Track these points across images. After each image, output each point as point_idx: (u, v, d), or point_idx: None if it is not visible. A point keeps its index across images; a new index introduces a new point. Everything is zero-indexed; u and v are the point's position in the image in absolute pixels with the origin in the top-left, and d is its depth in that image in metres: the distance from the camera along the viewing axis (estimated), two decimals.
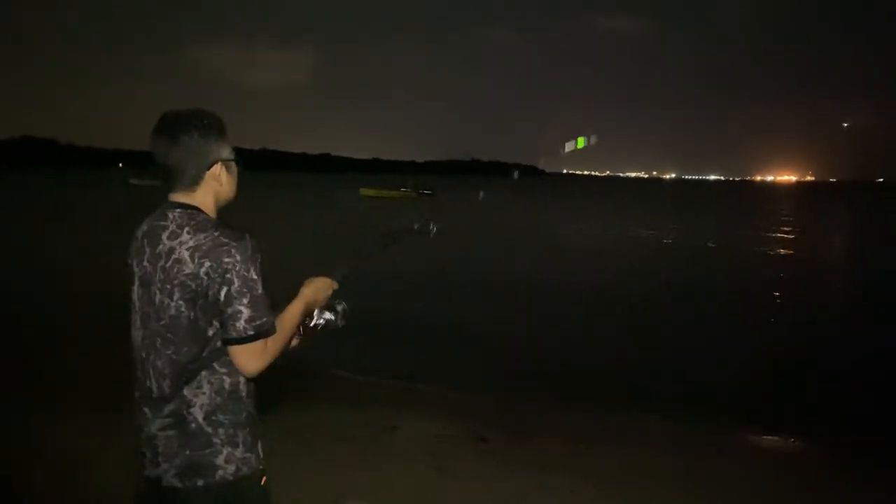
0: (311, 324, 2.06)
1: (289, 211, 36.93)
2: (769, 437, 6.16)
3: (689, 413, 6.57)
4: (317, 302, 2.05)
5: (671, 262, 19.77)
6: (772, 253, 22.63)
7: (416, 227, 2.46)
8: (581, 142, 3.08)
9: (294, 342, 2.02)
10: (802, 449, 6.03)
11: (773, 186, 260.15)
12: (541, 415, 6.23)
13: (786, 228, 33.73)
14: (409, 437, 5.22)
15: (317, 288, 2.05)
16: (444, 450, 5.02)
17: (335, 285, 2.12)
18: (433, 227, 2.46)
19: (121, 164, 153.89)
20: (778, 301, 13.76)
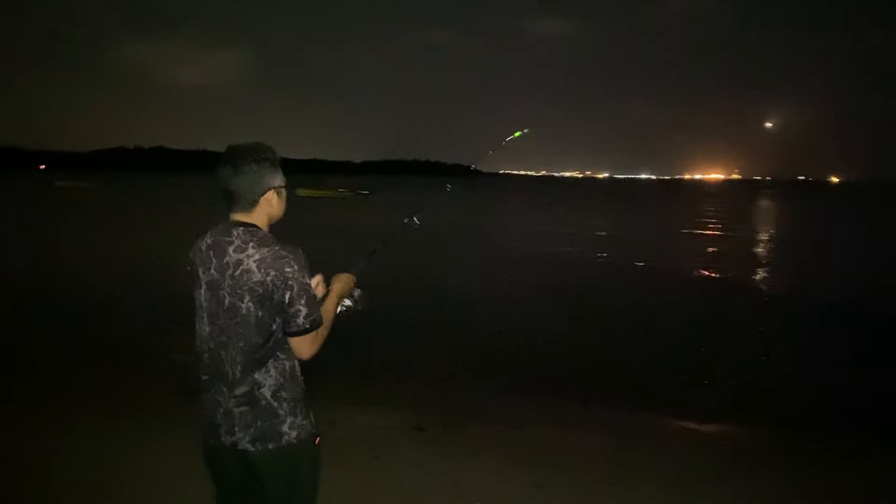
0: (338, 311, 2.47)
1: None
2: (696, 423, 6.36)
3: (624, 400, 6.83)
4: (343, 294, 2.49)
5: (602, 260, 20.26)
6: (695, 248, 23.51)
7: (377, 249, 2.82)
8: (517, 133, 3.53)
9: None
10: (725, 433, 6.24)
11: (701, 184, 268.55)
12: (478, 403, 6.39)
13: (713, 223, 35.04)
14: (348, 430, 5.26)
15: (343, 282, 2.50)
16: (382, 440, 5.11)
17: (355, 279, 2.57)
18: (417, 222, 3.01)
19: (42, 167, 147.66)
20: (703, 293, 14.30)
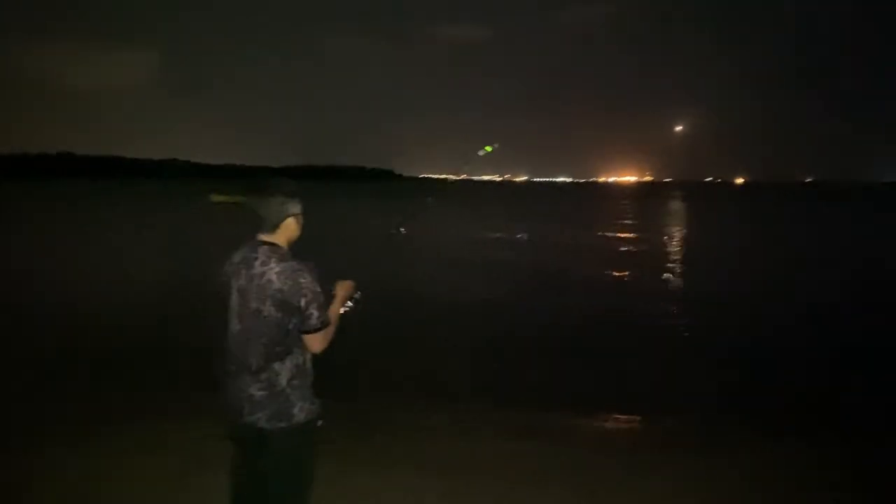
0: (341, 311, 3.01)
1: (133, 225, 34.85)
2: (609, 422, 6.54)
3: (538, 404, 6.91)
4: (346, 298, 3.05)
5: (523, 264, 20.58)
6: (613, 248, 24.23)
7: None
8: (489, 148, 3.97)
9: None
10: (643, 431, 6.45)
11: (615, 186, 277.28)
12: (388, 414, 6.34)
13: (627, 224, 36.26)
14: None
15: (345, 288, 3.06)
16: None
17: (355, 284, 3.11)
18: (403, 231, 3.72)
19: None
20: (618, 292, 14.74)
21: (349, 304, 3.09)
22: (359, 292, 3.15)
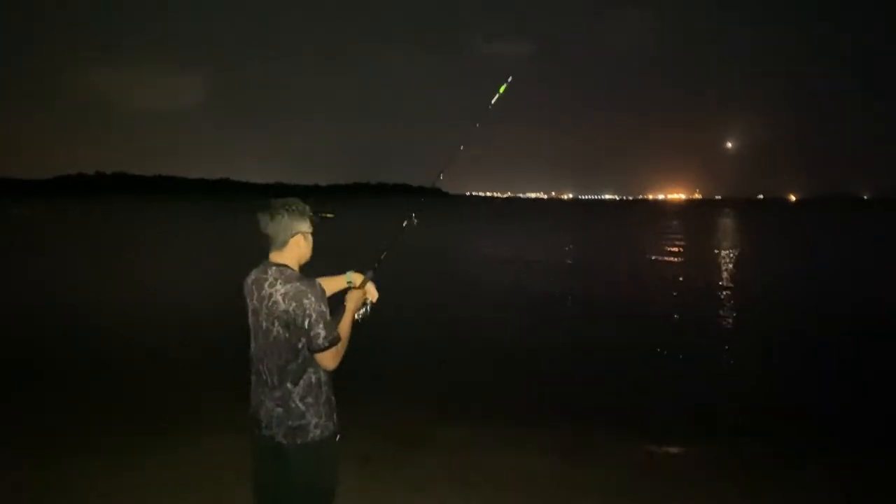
0: (356, 318, 3.01)
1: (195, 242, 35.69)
2: (646, 443, 6.36)
3: (568, 422, 6.84)
4: (357, 307, 3.02)
5: (558, 282, 20.40)
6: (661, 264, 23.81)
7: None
8: (502, 88, 3.70)
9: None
10: (666, 455, 6.26)
11: (663, 203, 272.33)
12: (423, 431, 6.36)
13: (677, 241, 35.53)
14: None
15: (355, 299, 3.03)
16: None
17: (365, 292, 3.10)
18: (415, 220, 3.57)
19: None
20: (657, 315, 14.43)
21: (362, 311, 3.07)
22: (370, 299, 3.12)
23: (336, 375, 2.85)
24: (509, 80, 3.69)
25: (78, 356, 9.46)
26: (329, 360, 2.73)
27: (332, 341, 2.71)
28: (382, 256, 3.32)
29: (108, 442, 5.88)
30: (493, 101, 3.69)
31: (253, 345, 2.84)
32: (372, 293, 3.14)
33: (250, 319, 2.84)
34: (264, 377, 2.78)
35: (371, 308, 3.11)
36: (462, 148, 3.92)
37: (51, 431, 6.22)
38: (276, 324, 2.69)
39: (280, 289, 2.69)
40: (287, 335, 2.69)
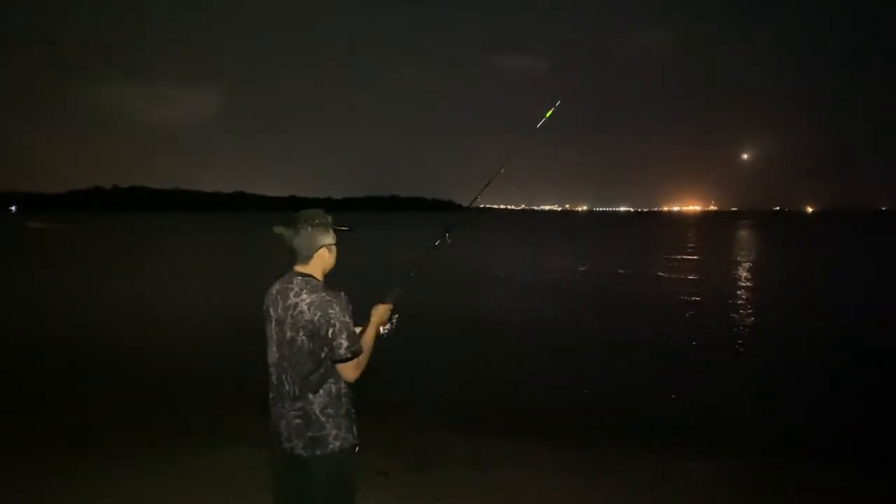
0: (381, 332, 3.03)
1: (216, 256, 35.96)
2: (666, 459, 6.24)
3: (581, 437, 6.78)
4: (382, 322, 3.03)
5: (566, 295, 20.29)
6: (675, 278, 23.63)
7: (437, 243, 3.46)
8: (549, 113, 3.76)
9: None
10: (695, 468, 6.17)
11: (679, 216, 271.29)
12: (440, 446, 6.32)
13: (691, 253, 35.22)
14: None
15: (380, 313, 3.03)
16: None
17: (391, 307, 3.08)
18: (449, 240, 3.52)
19: (13, 208, 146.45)
20: (676, 326, 14.28)
21: (387, 326, 3.07)
22: (396, 315, 3.11)
23: (354, 388, 2.81)
24: (557, 103, 3.74)
25: (87, 367, 9.56)
26: (350, 371, 2.75)
27: (355, 352, 2.73)
28: (412, 273, 3.30)
29: (123, 450, 5.90)
30: (538, 125, 3.74)
31: (275, 356, 2.82)
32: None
33: (273, 330, 2.82)
34: (287, 388, 2.75)
35: (397, 323, 3.10)
36: (503, 171, 3.91)
37: (62, 440, 6.24)
38: (301, 333, 2.70)
39: (306, 298, 2.71)
40: (311, 345, 2.70)
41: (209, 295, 18.25)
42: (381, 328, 3.04)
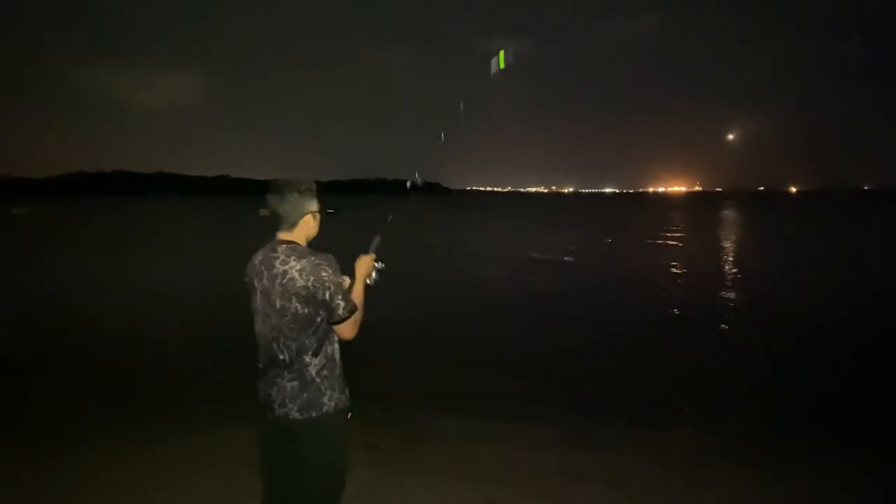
0: (369, 283, 3.08)
1: (200, 238, 35.77)
2: (654, 432, 6.29)
3: (571, 413, 6.80)
4: (367, 273, 3.06)
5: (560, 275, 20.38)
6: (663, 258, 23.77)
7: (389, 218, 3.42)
8: (502, 59, 3.74)
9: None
10: (683, 440, 6.21)
11: (664, 196, 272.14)
12: (428, 421, 6.35)
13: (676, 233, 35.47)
14: None
15: (364, 264, 3.06)
16: None
17: (374, 256, 3.12)
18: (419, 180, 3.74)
19: None
20: (655, 304, 14.38)
21: (373, 275, 3.12)
22: (380, 262, 3.15)
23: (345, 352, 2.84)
24: (510, 55, 3.67)
25: (79, 349, 9.50)
26: (348, 329, 2.79)
27: (351, 311, 2.77)
28: (389, 219, 3.37)
29: (112, 432, 5.91)
30: (493, 70, 3.74)
31: (263, 326, 2.80)
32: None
33: (257, 301, 2.81)
34: (281, 357, 2.74)
35: (381, 271, 3.15)
36: (443, 136, 3.81)
37: (56, 423, 6.24)
38: (294, 300, 2.69)
39: (295, 265, 2.71)
40: (306, 310, 2.70)
41: (196, 276, 18.13)
42: (367, 279, 3.07)
